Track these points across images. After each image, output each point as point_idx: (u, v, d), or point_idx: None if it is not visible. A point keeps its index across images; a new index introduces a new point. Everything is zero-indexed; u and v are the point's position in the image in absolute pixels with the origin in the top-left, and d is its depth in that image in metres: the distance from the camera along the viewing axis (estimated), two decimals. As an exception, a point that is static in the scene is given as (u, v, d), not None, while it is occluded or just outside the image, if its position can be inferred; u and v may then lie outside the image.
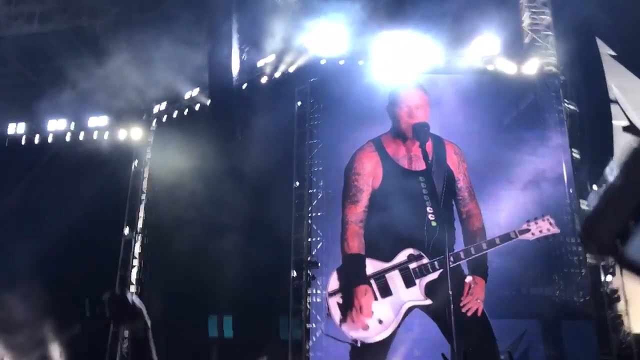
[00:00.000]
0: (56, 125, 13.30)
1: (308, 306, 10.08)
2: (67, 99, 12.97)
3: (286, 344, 10.03)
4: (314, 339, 9.96)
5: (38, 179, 12.75)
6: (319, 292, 10.13)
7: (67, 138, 13.23)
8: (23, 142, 13.46)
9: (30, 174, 12.86)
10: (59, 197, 12.04)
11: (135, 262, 12.54)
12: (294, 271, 10.38)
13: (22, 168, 12.98)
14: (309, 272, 10.14)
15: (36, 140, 13.43)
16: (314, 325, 10.01)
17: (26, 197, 12.61)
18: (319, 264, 10.14)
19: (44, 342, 11.47)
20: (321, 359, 9.79)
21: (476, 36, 10.59)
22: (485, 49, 10.64)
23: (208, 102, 11.95)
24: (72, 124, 13.22)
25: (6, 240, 12.26)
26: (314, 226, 10.54)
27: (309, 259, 10.29)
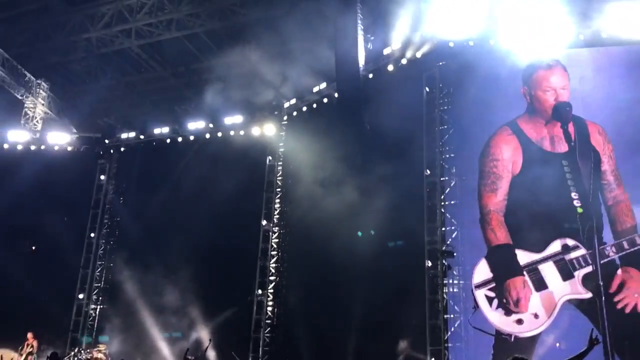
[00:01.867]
0: (196, 125, 14.12)
1: (445, 296, 9.88)
2: (204, 100, 13.77)
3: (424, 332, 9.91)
4: (452, 329, 9.75)
5: (182, 175, 13.63)
6: (455, 282, 9.89)
7: (207, 136, 14.00)
8: (168, 142, 14.43)
9: (175, 172, 13.79)
10: (201, 192, 12.84)
11: (274, 253, 13.02)
12: (429, 261, 10.22)
13: (168, 166, 13.95)
14: (444, 261, 9.93)
15: (179, 140, 14.35)
16: (452, 316, 9.80)
17: (173, 194, 13.53)
18: (455, 254, 9.90)
19: (195, 326, 12.36)
20: (460, 349, 9.56)
21: (619, 4, 9.68)
22: (630, 18, 9.69)
23: (336, 94, 12.07)
24: (210, 124, 13.96)
25: (157, 232, 13.31)
26: (447, 215, 10.29)
27: (444, 248, 10.07)
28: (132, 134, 14.92)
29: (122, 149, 15.28)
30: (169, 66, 15.15)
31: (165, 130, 14.57)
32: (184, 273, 12.44)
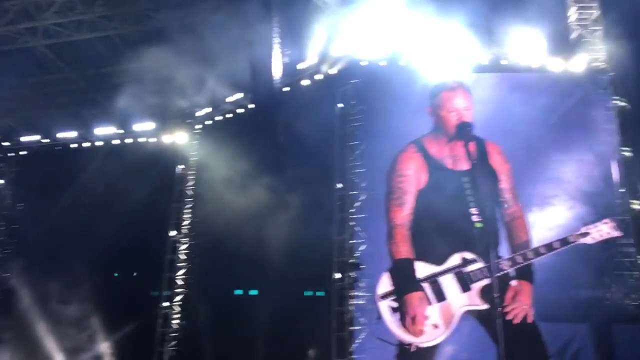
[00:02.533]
0: (104, 130, 13.65)
1: (351, 308, 10.06)
2: (115, 105, 13.34)
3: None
4: (358, 340, 9.93)
5: (88, 182, 13.12)
6: (362, 294, 10.10)
7: (115, 143, 13.56)
8: (73, 147, 13.87)
9: (80, 179, 13.25)
10: (108, 201, 12.39)
11: (182, 264, 12.77)
12: (337, 273, 10.37)
13: (73, 172, 13.38)
14: (352, 274, 10.13)
15: (85, 146, 13.82)
16: (358, 328, 9.98)
17: (77, 201, 12.99)
18: (363, 266, 10.12)
19: (96, 341, 11.86)
20: (365, 361, 9.76)
21: (521, 33, 10.39)
22: (531, 46, 10.42)
23: (250, 105, 12.08)
24: (120, 130, 13.55)
25: (58, 243, 12.72)
26: (357, 228, 10.51)
27: (351, 261, 10.27)
28: (35, 138, 14.22)
29: (23, 153, 14.51)
30: (78, 68, 14.55)
31: (72, 134, 13.99)
32: (87, 283, 11.93)
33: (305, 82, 11.48)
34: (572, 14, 10.76)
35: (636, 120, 9.88)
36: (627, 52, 9.62)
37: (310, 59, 11.42)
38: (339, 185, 10.84)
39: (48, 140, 14.10)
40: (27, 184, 14.29)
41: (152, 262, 12.61)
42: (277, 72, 11.38)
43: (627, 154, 9.84)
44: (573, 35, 10.68)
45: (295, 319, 10.31)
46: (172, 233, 12.92)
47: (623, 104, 10.08)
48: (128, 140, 13.55)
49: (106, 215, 12.30)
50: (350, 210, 10.61)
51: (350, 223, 10.54)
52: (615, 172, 9.78)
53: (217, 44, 11.03)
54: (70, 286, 12.00)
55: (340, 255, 10.47)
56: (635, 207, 9.55)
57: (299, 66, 11.60)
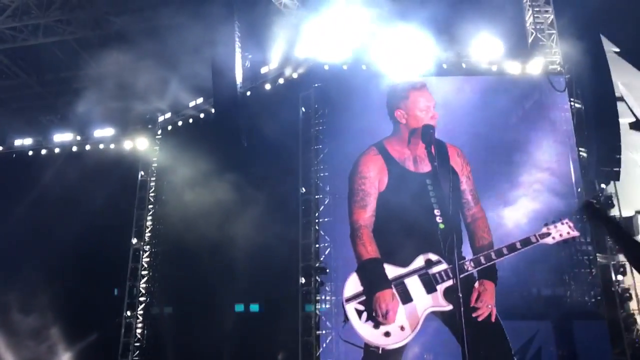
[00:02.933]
0: (62, 137, 13.35)
1: (318, 312, 10.04)
2: (73, 111, 13.06)
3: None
4: (324, 344, 9.91)
5: (45, 190, 12.80)
6: (328, 298, 10.10)
7: (74, 149, 13.27)
8: (30, 154, 13.52)
9: (37, 185, 12.92)
10: (66, 208, 12.09)
11: (144, 272, 12.56)
12: (303, 277, 10.35)
13: (29, 180, 13.02)
14: (317, 278, 10.11)
15: (43, 152, 13.48)
16: (324, 332, 9.97)
17: (34, 208, 12.65)
18: (328, 270, 10.12)
19: (55, 351, 11.54)
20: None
21: (480, 37, 10.57)
22: (489, 50, 10.61)
23: (212, 110, 11.97)
24: (79, 136, 13.27)
25: (16, 251, 12.34)
26: (321, 232, 10.50)
27: (317, 265, 10.26)
28: (-10, 145, 13.81)
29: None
30: (34, 73, 14.21)
31: (28, 141, 13.64)
32: (46, 292, 11.60)
33: (267, 86, 11.43)
34: (529, 17, 11.00)
35: (591, 121, 10.13)
36: (581, 55, 9.88)
37: (272, 63, 11.38)
38: (303, 190, 10.82)
39: (1, 148, 13.68)
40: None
41: (113, 271, 12.36)
42: (239, 76, 11.32)
43: (583, 154, 10.08)
44: (530, 39, 10.91)
45: (260, 325, 10.24)
46: (134, 241, 12.70)
47: (579, 105, 10.33)
48: (87, 147, 13.25)
49: (66, 223, 11.99)
50: (315, 214, 10.61)
51: (315, 227, 10.54)
52: (572, 172, 10.01)
53: (178, 48, 10.91)
54: (28, 296, 11.67)
55: (305, 260, 10.44)
56: (593, 206, 9.77)
57: (262, 70, 11.55)
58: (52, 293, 11.62)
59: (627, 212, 9.66)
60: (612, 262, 9.41)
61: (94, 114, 12.97)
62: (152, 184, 13.15)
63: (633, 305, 9.17)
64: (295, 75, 11.14)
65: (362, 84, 10.18)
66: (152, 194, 13.08)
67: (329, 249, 10.32)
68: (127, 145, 13.12)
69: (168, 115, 13.00)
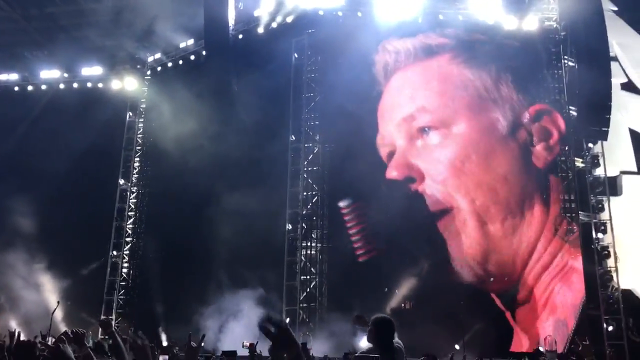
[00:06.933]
0: (49, 74, 13.08)
1: (303, 258, 10.20)
2: (60, 48, 12.75)
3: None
4: (308, 290, 10.11)
5: (32, 128, 12.62)
6: (313, 244, 10.24)
7: (61, 87, 13.03)
8: (16, 90, 13.28)
9: (24, 123, 12.73)
10: (53, 146, 11.94)
11: (131, 213, 12.58)
12: (289, 224, 10.45)
13: (15, 117, 12.80)
14: (303, 225, 10.22)
15: (29, 89, 13.24)
16: (308, 277, 10.15)
17: (20, 146, 12.49)
18: (315, 218, 10.22)
19: (41, 292, 11.58)
20: (314, 309, 9.98)
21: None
22: (487, 2, 10.43)
23: (203, 52, 11.75)
24: (65, 74, 13.00)
25: (0, 188, 12.17)
26: (309, 180, 10.55)
27: (304, 212, 10.35)
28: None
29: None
30: (18, 7, 13.77)
31: (14, 77, 13.36)
32: (33, 231, 11.57)
33: (260, 30, 11.21)
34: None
35: (583, 80, 10.04)
36: (579, 12, 9.71)
37: (266, 6, 11.12)
38: (292, 138, 10.81)
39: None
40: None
41: (100, 211, 12.36)
42: (231, 17, 11.08)
43: (573, 112, 10.06)
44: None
45: (247, 268, 10.31)
46: (121, 181, 12.67)
47: (572, 64, 10.25)
48: (75, 85, 13.01)
49: (52, 162, 11.85)
50: (304, 163, 10.63)
51: (304, 175, 10.58)
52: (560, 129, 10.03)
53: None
54: (14, 234, 11.60)
55: (292, 207, 10.52)
56: (579, 164, 9.86)
57: (255, 13, 11.30)
58: (38, 232, 11.61)
59: (611, 172, 9.72)
60: (594, 221, 9.55)
61: (82, 52, 12.69)
62: (140, 125, 13.03)
63: (610, 262, 9.34)
64: (289, 20, 10.93)
65: (356, 31, 10.01)
66: (140, 136, 12.97)
67: (316, 197, 10.40)
68: (116, 85, 12.90)
69: (158, 55, 12.75)
